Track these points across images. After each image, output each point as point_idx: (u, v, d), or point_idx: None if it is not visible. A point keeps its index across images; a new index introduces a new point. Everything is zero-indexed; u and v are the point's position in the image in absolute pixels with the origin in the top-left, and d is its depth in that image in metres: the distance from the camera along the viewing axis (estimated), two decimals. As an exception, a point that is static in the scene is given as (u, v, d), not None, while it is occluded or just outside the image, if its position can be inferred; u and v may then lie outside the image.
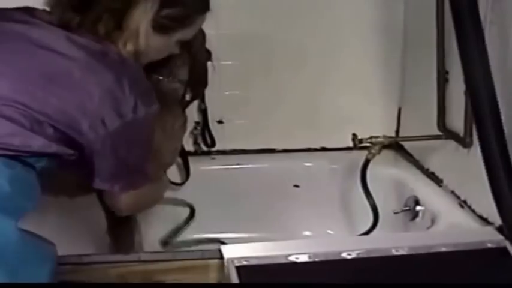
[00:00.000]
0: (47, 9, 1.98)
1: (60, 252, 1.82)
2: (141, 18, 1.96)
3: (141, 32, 1.96)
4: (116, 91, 1.83)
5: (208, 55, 2.35)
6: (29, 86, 1.80)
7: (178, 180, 2.80)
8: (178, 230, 2.77)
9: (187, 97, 2.42)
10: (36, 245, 1.74)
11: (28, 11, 1.99)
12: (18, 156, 1.75)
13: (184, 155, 2.78)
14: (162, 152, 2.24)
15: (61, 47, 1.86)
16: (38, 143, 1.77)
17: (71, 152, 1.83)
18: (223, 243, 2.50)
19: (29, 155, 1.77)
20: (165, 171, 2.36)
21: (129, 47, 1.96)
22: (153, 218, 2.63)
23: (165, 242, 2.71)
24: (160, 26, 1.99)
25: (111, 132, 1.82)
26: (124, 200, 2.05)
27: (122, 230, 2.38)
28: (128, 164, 1.95)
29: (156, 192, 2.29)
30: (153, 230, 2.62)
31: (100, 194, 2.31)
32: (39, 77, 1.81)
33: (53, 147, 1.78)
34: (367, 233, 2.62)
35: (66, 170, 1.93)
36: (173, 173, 2.77)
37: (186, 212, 2.81)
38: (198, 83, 2.42)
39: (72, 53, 1.85)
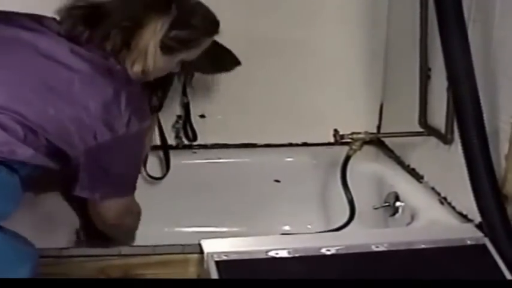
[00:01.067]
0: (57, 18, 1.98)
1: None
2: (150, 38, 1.97)
3: (150, 52, 1.97)
4: (112, 106, 1.85)
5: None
6: (27, 94, 1.81)
7: (158, 174, 2.79)
8: None
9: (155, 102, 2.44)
10: (15, 247, 1.75)
11: (38, 18, 2.00)
12: (3, 162, 1.75)
13: (166, 149, 2.78)
14: None
15: (65, 58, 1.87)
16: (25, 153, 1.78)
17: (54, 165, 1.86)
18: None
19: (14, 162, 1.77)
20: None
21: (137, 67, 1.98)
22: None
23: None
24: (168, 47, 2.00)
25: (100, 144, 1.84)
26: (107, 210, 2.07)
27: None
28: (111, 174, 1.97)
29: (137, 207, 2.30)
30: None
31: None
32: (39, 86, 1.82)
33: (39, 159, 1.80)
34: (342, 227, 2.61)
35: (49, 176, 1.95)
36: (153, 167, 2.78)
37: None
38: (165, 88, 2.43)
39: (75, 65, 1.86)
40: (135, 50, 1.97)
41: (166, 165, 2.78)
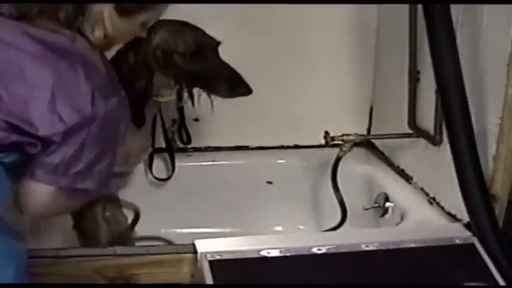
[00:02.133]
0: None
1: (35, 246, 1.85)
2: (103, 3, 1.91)
3: (106, 16, 1.91)
4: (69, 84, 1.78)
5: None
6: None
7: (163, 175, 2.84)
8: None
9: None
10: (2, 243, 1.72)
11: None
12: None
13: (171, 151, 2.82)
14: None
15: (15, 40, 1.81)
16: None
17: (31, 140, 1.76)
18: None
19: None
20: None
21: (98, 33, 1.92)
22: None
23: None
24: (123, 10, 1.94)
25: (72, 127, 1.76)
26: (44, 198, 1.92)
27: (86, 224, 2.37)
28: (82, 161, 1.85)
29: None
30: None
31: None
32: None
33: (14, 137, 1.73)
34: (335, 228, 2.64)
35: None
36: (159, 168, 2.82)
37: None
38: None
39: (26, 46, 1.79)
40: (90, 15, 1.90)
41: (172, 167, 2.83)
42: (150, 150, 2.71)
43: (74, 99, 1.76)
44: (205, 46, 2.24)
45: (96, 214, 2.35)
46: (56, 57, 1.79)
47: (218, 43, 2.27)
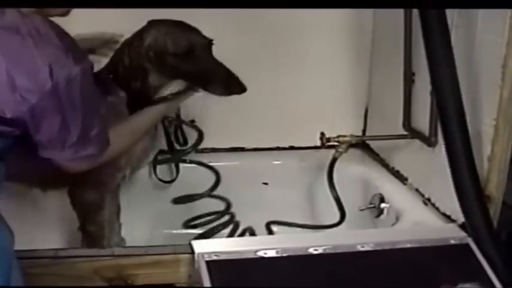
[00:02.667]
0: None
1: (33, 246, 1.85)
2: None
3: None
4: (24, 60, 1.71)
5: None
6: None
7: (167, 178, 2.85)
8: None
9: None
10: None
11: None
12: None
13: (173, 153, 2.83)
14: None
15: None
16: None
17: (4, 126, 1.73)
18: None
19: None
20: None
21: None
22: (137, 220, 2.67)
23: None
24: None
25: (37, 104, 1.72)
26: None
27: (94, 227, 2.39)
28: (66, 129, 1.82)
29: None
30: (136, 231, 2.64)
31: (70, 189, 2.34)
32: None
33: None
34: (334, 226, 2.68)
35: (21, 152, 1.86)
36: (162, 171, 2.83)
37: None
38: None
39: None
40: None
41: (176, 169, 2.85)
42: (157, 150, 2.72)
43: (32, 76, 1.71)
44: (196, 46, 2.24)
45: (102, 218, 2.37)
46: (5, 37, 1.72)
47: (211, 42, 2.27)
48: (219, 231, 2.78)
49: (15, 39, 1.72)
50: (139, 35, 2.25)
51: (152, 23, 2.25)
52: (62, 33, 1.80)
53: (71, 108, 1.78)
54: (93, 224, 2.37)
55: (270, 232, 2.78)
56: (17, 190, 2.48)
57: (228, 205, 2.87)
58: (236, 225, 2.81)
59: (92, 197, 2.35)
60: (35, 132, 1.78)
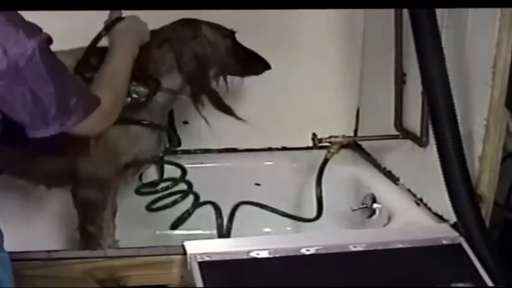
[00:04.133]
0: None
1: (31, 246, 1.85)
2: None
3: None
4: None
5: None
6: None
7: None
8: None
9: None
10: None
11: None
12: None
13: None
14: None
15: None
16: None
17: None
18: None
19: None
20: None
21: None
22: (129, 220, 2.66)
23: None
24: None
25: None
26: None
27: (93, 227, 2.40)
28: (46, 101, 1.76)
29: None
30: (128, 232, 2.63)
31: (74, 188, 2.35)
32: None
33: None
34: (310, 220, 2.72)
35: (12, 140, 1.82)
36: (151, 172, 2.82)
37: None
38: None
39: None
40: None
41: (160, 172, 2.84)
42: (161, 151, 2.71)
43: None
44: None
45: (102, 219, 2.38)
46: None
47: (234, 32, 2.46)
48: (176, 202, 2.78)
49: None
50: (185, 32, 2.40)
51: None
52: (7, 12, 1.72)
53: (40, 84, 1.73)
54: (93, 224, 2.38)
55: (232, 214, 2.79)
56: (21, 186, 2.52)
57: (184, 172, 2.81)
58: (196, 197, 2.82)
59: (95, 197, 2.36)
60: (12, 114, 1.73)
